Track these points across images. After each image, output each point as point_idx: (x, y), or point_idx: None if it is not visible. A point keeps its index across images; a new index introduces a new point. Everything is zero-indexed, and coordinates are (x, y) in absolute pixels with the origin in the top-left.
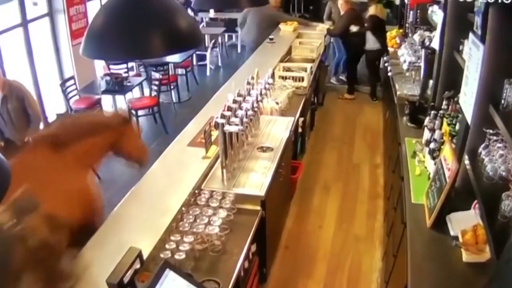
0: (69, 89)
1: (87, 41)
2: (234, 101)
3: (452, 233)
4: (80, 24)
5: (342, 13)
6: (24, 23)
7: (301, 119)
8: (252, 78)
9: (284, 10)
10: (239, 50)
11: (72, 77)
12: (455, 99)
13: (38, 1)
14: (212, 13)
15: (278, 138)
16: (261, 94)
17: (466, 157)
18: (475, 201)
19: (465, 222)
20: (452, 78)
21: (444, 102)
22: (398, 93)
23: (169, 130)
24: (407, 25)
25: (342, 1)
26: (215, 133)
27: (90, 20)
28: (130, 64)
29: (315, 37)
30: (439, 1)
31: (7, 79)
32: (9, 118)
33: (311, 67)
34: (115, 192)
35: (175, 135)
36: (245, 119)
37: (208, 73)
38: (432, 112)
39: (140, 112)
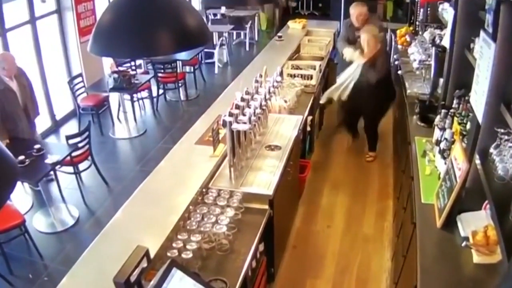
0: (77, 87)
1: (95, 39)
2: (242, 99)
3: (462, 233)
4: (88, 22)
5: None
6: (32, 20)
7: (310, 117)
8: (260, 76)
9: (294, 7)
10: (247, 48)
11: (80, 75)
12: (466, 97)
13: None
14: (223, 9)
15: (286, 137)
16: (269, 92)
17: (477, 156)
18: (486, 202)
19: (476, 222)
20: (463, 77)
21: (455, 101)
22: (408, 91)
23: (176, 127)
24: (417, 23)
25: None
26: (223, 131)
27: (98, 17)
28: (138, 62)
29: (324, 35)
30: None
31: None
32: (24, 99)
33: (320, 65)
34: (122, 190)
35: (182, 133)
36: (253, 118)
37: (216, 71)
38: (443, 111)
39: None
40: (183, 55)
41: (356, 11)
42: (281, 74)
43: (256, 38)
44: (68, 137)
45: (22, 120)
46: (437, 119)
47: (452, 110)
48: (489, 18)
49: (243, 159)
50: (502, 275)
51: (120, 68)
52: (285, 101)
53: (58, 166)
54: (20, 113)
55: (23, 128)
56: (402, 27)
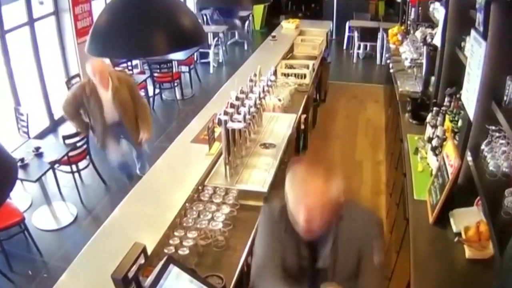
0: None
1: (92, 40)
2: (237, 98)
3: (455, 229)
4: (85, 23)
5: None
6: (31, 22)
7: (304, 116)
8: (255, 75)
9: (285, 8)
10: (245, 47)
11: (77, 75)
12: (457, 95)
13: (44, 0)
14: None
15: (280, 135)
16: (263, 91)
17: (468, 153)
18: (478, 198)
19: (468, 218)
20: (454, 75)
21: (446, 99)
22: (400, 89)
23: (172, 126)
24: (408, 22)
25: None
26: (218, 130)
27: (95, 18)
28: (134, 62)
29: (317, 35)
30: None
31: (114, 71)
32: (120, 110)
33: (313, 64)
34: (119, 188)
35: (178, 131)
36: (247, 116)
37: (211, 70)
38: (434, 108)
39: None
40: (178, 55)
41: (311, 195)
42: (275, 73)
43: (251, 38)
44: (65, 137)
45: (98, 127)
46: (429, 116)
47: (443, 108)
48: (479, 17)
49: (238, 157)
50: (494, 270)
51: (117, 68)
52: (279, 100)
53: (57, 165)
54: (99, 121)
55: (98, 134)
56: (394, 27)
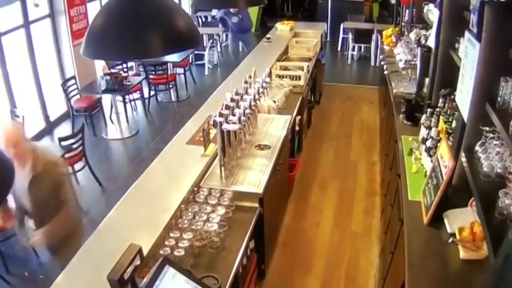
0: (70, 89)
1: (87, 42)
2: (232, 100)
3: (449, 230)
4: (81, 25)
5: None
6: (26, 24)
7: (298, 117)
8: (250, 77)
9: (280, 9)
10: (241, 49)
11: (73, 77)
12: (451, 96)
13: (40, 3)
14: (213, 12)
15: (275, 136)
16: (258, 92)
17: (462, 154)
18: (472, 198)
19: (462, 219)
20: (448, 76)
21: (441, 100)
22: (394, 91)
23: (168, 128)
24: (403, 23)
25: None
26: (213, 132)
27: (90, 21)
28: (130, 64)
29: (312, 36)
30: None
31: (42, 153)
32: (33, 206)
33: (308, 66)
34: (115, 190)
35: (173, 133)
36: (243, 118)
37: (206, 72)
38: (429, 109)
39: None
40: (173, 57)
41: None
42: (269, 75)
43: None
44: (60, 139)
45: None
46: (423, 118)
47: (437, 109)
48: (473, 18)
49: (234, 159)
50: (488, 271)
51: (112, 70)
52: (274, 102)
53: None
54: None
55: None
56: (388, 28)
